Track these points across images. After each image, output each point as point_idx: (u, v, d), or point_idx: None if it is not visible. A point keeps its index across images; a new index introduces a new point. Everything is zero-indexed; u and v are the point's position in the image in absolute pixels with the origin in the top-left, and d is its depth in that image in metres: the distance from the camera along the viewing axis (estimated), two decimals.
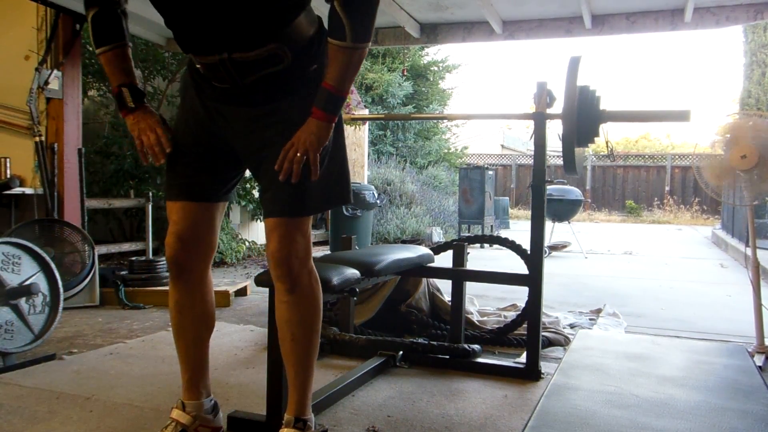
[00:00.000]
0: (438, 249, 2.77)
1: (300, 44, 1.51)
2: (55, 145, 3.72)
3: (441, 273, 2.69)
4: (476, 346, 2.54)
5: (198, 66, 1.56)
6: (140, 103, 1.61)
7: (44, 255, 2.58)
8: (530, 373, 2.34)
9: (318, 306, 1.60)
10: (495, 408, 2.04)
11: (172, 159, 1.63)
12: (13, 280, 2.43)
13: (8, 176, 3.64)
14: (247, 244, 5.88)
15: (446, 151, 12.71)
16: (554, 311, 3.50)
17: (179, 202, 1.66)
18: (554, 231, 7.70)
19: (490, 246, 7.53)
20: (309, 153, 1.47)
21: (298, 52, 1.51)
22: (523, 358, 2.45)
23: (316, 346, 1.62)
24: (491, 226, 9.01)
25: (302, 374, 1.60)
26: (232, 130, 1.58)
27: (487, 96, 49.22)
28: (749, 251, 2.84)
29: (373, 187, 7.20)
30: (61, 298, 2.59)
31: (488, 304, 3.78)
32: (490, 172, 9.02)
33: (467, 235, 7.86)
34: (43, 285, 2.52)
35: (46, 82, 3.63)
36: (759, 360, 2.62)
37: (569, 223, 7.67)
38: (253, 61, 1.47)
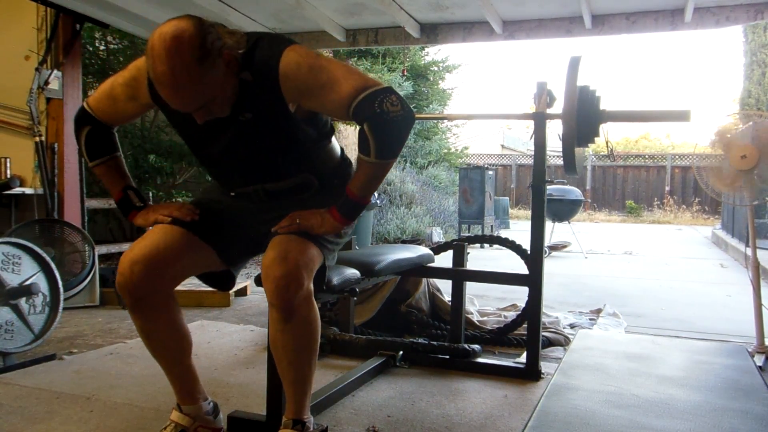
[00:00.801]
0: (438, 249, 2.77)
1: (326, 172, 1.66)
2: (55, 145, 3.72)
3: (441, 273, 2.68)
4: (476, 346, 2.54)
5: (232, 194, 1.70)
6: (144, 202, 1.72)
7: (44, 255, 2.58)
8: (530, 373, 2.34)
9: (316, 332, 1.54)
10: (495, 408, 2.04)
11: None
12: (13, 280, 2.42)
13: (8, 176, 3.64)
14: None
15: (446, 151, 12.70)
16: (554, 311, 3.50)
17: (166, 226, 1.60)
18: (554, 231, 7.70)
19: (490, 246, 7.53)
20: (309, 230, 1.53)
21: (324, 178, 1.65)
22: (523, 358, 2.45)
23: (314, 364, 1.58)
24: (491, 226, 9.01)
25: (300, 385, 1.58)
26: (253, 210, 1.68)
27: (487, 96, 49.22)
28: (749, 251, 2.84)
29: None
30: (62, 298, 2.58)
31: (488, 304, 3.78)
32: (490, 172, 9.02)
33: (467, 235, 7.86)
34: (43, 285, 2.52)
35: (46, 82, 3.63)
36: (759, 360, 2.62)
37: (569, 223, 7.67)
38: (283, 188, 1.64)
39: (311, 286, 1.51)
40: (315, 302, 1.53)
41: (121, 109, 1.64)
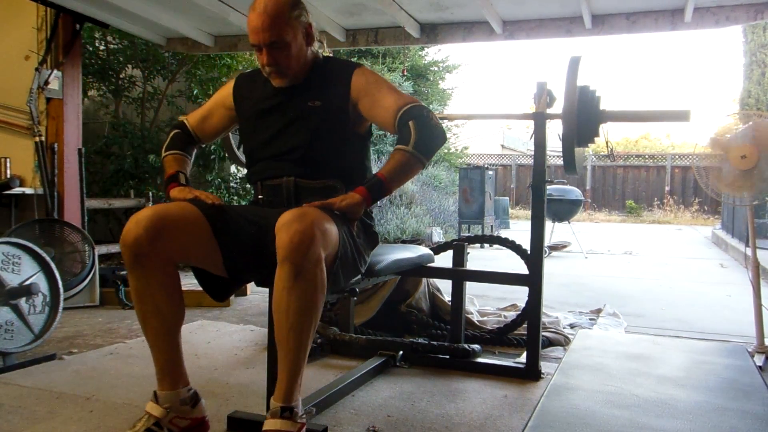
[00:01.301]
0: (438, 249, 2.77)
1: (354, 183, 1.73)
2: (55, 145, 3.72)
3: (441, 273, 2.68)
4: (476, 346, 2.54)
5: (260, 197, 1.83)
6: (188, 184, 1.85)
7: (44, 255, 2.58)
8: (530, 373, 2.34)
9: (321, 298, 1.51)
10: (495, 408, 2.04)
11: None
12: (13, 280, 2.42)
13: (8, 176, 3.64)
14: None
15: (446, 151, 12.69)
16: (554, 311, 3.49)
17: (183, 202, 1.67)
18: (554, 231, 7.70)
19: (490, 246, 7.53)
20: (330, 205, 1.60)
21: (350, 188, 1.72)
22: (523, 358, 2.45)
23: (311, 338, 1.54)
24: (491, 226, 9.02)
25: (295, 361, 1.51)
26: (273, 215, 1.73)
27: (487, 96, 49.23)
28: (749, 251, 2.84)
29: None
30: (61, 298, 2.58)
31: (488, 304, 3.78)
32: (490, 172, 9.02)
33: (467, 235, 7.86)
34: (43, 285, 2.52)
35: (46, 82, 3.63)
36: (759, 360, 2.62)
37: (569, 223, 7.67)
38: (313, 188, 1.76)
39: (323, 253, 1.48)
40: (324, 270, 1.50)
41: (209, 117, 1.95)
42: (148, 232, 1.52)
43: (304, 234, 1.44)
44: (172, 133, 1.96)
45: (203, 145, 2.07)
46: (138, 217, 1.54)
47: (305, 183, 1.77)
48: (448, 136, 13.11)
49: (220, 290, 1.75)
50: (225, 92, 1.94)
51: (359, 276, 1.80)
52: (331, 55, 1.78)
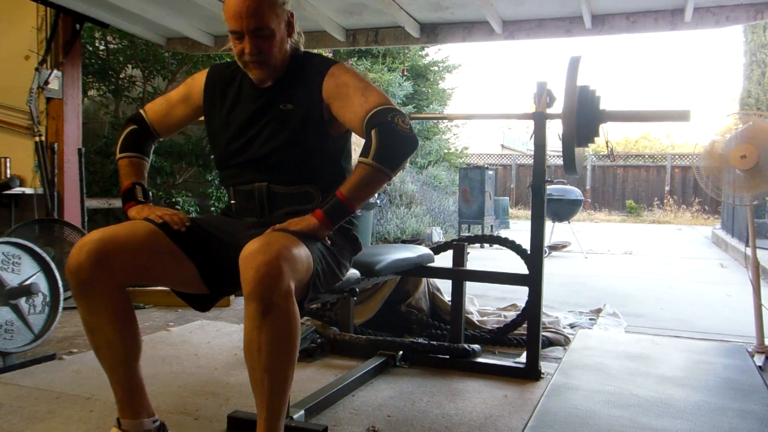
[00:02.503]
0: (438, 249, 2.77)
1: (330, 187, 1.60)
2: (55, 145, 3.72)
3: (441, 273, 2.68)
4: (476, 346, 2.54)
5: (233, 202, 1.73)
6: (146, 200, 1.72)
7: (44, 255, 2.58)
8: (530, 373, 2.34)
9: (295, 335, 1.37)
10: (495, 408, 2.04)
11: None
12: (13, 280, 2.42)
13: (8, 176, 3.64)
14: None
15: (446, 151, 12.71)
16: (554, 311, 3.50)
17: (137, 221, 1.55)
18: (554, 231, 7.70)
19: (490, 246, 7.53)
20: (285, 228, 1.46)
21: (325, 197, 1.61)
22: (523, 358, 2.45)
23: (291, 378, 1.41)
24: (491, 226, 9.02)
25: (274, 406, 1.39)
26: (245, 226, 1.65)
27: (487, 96, 49.23)
28: (749, 251, 2.84)
29: None
30: (62, 298, 2.58)
31: (488, 304, 3.78)
32: (490, 172, 9.02)
33: (467, 235, 7.86)
34: (43, 285, 2.52)
35: (46, 82, 3.63)
36: (759, 360, 2.62)
37: (569, 223, 7.67)
38: (286, 194, 1.66)
39: (292, 285, 1.35)
40: (296, 303, 1.37)
41: (172, 111, 1.81)
42: (90, 258, 1.40)
43: (269, 266, 1.30)
44: (127, 130, 1.80)
45: (161, 139, 1.89)
46: (82, 242, 1.43)
47: (278, 189, 1.66)
48: (447, 136, 13.19)
49: (201, 301, 1.64)
50: (194, 87, 1.78)
51: (340, 281, 1.72)
52: (314, 51, 1.69)
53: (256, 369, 1.38)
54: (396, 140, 1.52)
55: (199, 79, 1.78)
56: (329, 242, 1.60)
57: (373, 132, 1.51)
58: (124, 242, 1.46)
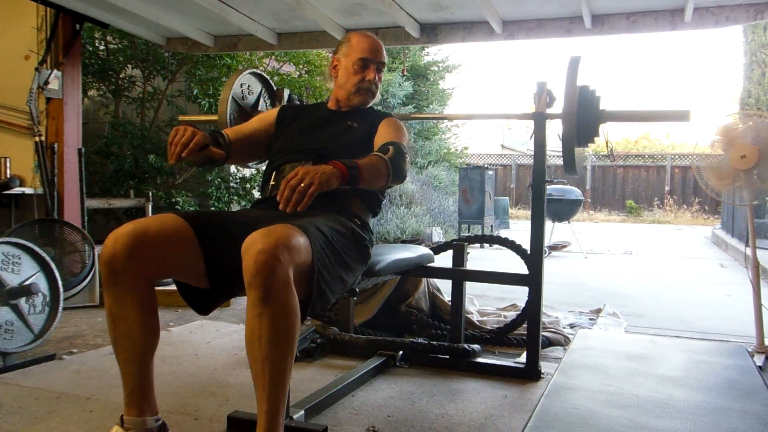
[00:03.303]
0: (438, 249, 2.77)
1: (358, 193, 1.91)
2: (55, 145, 3.72)
3: (441, 273, 2.68)
4: (476, 346, 2.54)
5: (272, 183, 1.96)
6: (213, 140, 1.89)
7: (44, 255, 2.58)
8: (530, 373, 2.34)
9: (295, 325, 1.41)
10: (495, 408, 2.04)
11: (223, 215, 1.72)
12: (13, 280, 2.42)
13: (8, 176, 3.64)
14: None
15: (446, 151, 12.71)
16: (554, 311, 3.50)
17: (165, 214, 1.60)
18: (554, 231, 7.70)
19: (490, 246, 7.53)
20: (312, 184, 1.50)
21: (355, 193, 1.90)
22: (523, 358, 2.45)
23: (290, 370, 1.44)
24: (491, 226, 9.02)
25: (274, 398, 1.42)
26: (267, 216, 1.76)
27: (487, 96, 49.23)
28: (749, 251, 2.84)
29: None
30: (61, 298, 2.58)
31: (488, 304, 3.78)
32: (490, 172, 9.02)
33: (467, 235, 7.87)
34: (43, 285, 2.52)
35: (46, 82, 3.63)
36: (759, 360, 2.62)
37: (569, 223, 7.67)
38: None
39: (290, 273, 1.38)
40: (295, 294, 1.40)
41: (244, 126, 2.13)
42: (124, 250, 1.47)
43: (267, 254, 1.35)
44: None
45: (226, 158, 1.95)
46: (117, 234, 1.50)
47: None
48: (447, 136, 13.21)
49: (202, 302, 1.67)
50: (269, 112, 2.19)
51: (346, 290, 1.73)
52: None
53: (257, 360, 1.41)
54: (403, 161, 1.86)
55: (273, 110, 2.19)
56: (340, 243, 1.64)
57: (391, 147, 1.85)
58: (155, 235, 1.52)
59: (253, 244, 1.38)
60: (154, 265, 1.52)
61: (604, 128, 2.21)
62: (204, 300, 1.66)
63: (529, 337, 2.40)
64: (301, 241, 1.45)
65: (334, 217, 1.74)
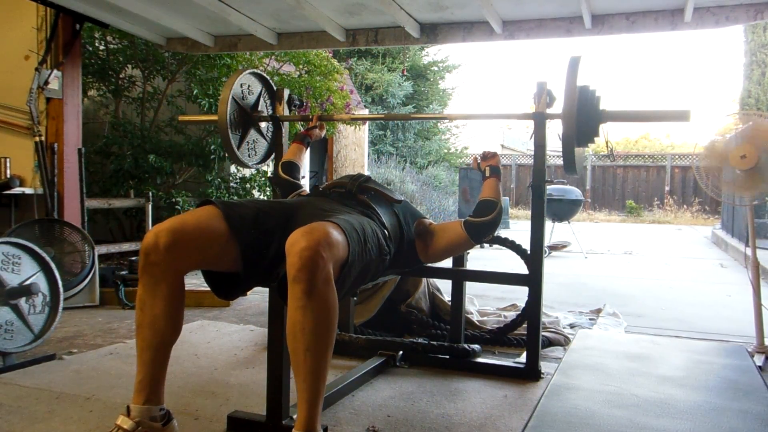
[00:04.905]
0: None
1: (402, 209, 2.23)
2: (55, 145, 3.72)
3: (441, 273, 2.68)
4: (476, 346, 2.54)
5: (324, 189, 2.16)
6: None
7: (44, 255, 2.58)
8: (530, 373, 2.34)
9: (334, 318, 1.49)
10: (495, 408, 2.04)
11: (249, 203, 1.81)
12: (13, 280, 2.42)
13: (8, 176, 3.64)
14: None
15: (446, 151, 12.72)
16: (554, 311, 3.50)
17: (204, 209, 1.69)
18: (554, 231, 7.70)
19: (490, 246, 7.52)
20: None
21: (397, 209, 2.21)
22: (523, 358, 2.45)
23: (329, 361, 1.50)
24: None
25: (314, 386, 1.47)
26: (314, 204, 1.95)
27: (487, 96, 49.25)
28: (749, 251, 2.84)
29: None
30: (61, 298, 2.58)
31: (488, 304, 3.78)
32: None
33: None
34: (43, 285, 2.52)
35: (46, 82, 3.63)
36: (759, 360, 2.62)
37: (569, 223, 7.66)
38: (373, 188, 2.15)
39: (331, 269, 1.49)
40: (335, 288, 1.50)
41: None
42: (164, 244, 1.57)
43: (311, 251, 1.45)
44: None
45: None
46: (158, 229, 1.60)
47: (369, 185, 2.14)
48: (447, 136, 13.24)
49: (227, 289, 1.75)
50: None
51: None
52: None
53: (298, 350, 1.47)
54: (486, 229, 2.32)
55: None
56: (371, 243, 1.78)
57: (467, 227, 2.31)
58: (191, 232, 1.61)
59: (297, 242, 1.47)
60: (188, 260, 1.62)
61: (604, 128, 2.21)
62: (228, 287, 1.75)
63: (529, 337, 2.40)
64: (339, 238, 1.57)
65: (368, 221, 1.88)
